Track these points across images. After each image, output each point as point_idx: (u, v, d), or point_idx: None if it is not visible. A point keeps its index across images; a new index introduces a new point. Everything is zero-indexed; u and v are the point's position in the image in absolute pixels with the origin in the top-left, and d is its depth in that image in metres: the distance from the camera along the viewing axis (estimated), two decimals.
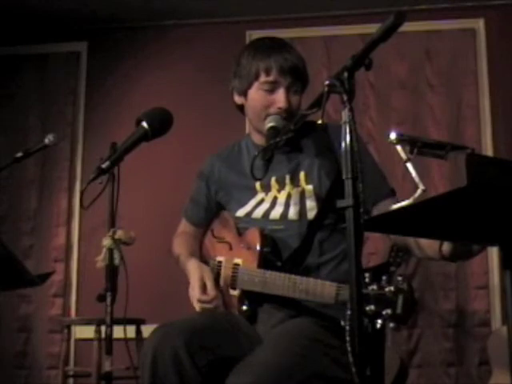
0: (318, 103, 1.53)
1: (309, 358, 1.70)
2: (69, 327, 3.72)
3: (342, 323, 1.36)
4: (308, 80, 2.01)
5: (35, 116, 4.56)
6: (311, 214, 1.94)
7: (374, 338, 1.77)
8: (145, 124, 1.81)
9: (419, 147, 1.33)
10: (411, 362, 3.99)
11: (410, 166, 1.30)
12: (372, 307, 1.46)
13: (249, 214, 2.02)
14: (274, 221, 1.97)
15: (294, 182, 1.98)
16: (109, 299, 1.84)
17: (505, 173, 1.11)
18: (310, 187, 1.95)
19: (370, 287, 1.48)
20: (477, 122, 4.21)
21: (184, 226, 2.28)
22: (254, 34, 4.49)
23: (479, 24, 4.33)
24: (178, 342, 1.74)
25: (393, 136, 1.32)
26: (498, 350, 3.53)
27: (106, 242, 1.86)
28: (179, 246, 2.22)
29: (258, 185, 2.01)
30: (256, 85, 1.95)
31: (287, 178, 1.99)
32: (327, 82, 1.37)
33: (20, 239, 4.38)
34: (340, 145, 1.34)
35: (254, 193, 2.03)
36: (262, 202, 2.01)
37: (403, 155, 1.32)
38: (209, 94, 4.38)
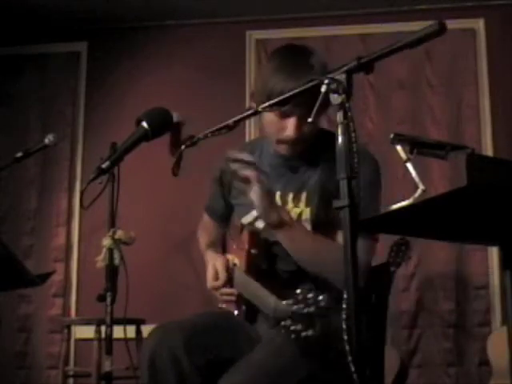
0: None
1: (303, 360, 1.69)
2: (69, 327, 3.72)
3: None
4: (328, 104, 1.56)
5: (35, 116, 4.56)
6: None
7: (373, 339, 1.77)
8: (145, 124, 1.81)
9: (419, 147, 1.33)
10: (411, 361, 3.98)
11: (409, 166, 1.30)
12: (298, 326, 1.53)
13: (251, 224, 2.00)
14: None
15: (295, 201, 1.92)
16: (109, 299, 1.85)
17: (505, 173, 1.10)
18: (307, 210, 1.90)
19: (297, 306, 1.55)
20: (477, 122, 4.21)
21: (205, 218, 2.26)
22: (253, 34, 4.51)
23: (479, 24, 4.33)
24: (177, 342, 1.73)
25: (393, 136, 1.32)
26: (498, 350, 3.52)
27: (106, 242, 1.86)
28: (201, 236, 2.26)
29: None
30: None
31: (290, 196, 1.93)
32: (325, 82, 1.37)
33: (20, 239, 4.38)
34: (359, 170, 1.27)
35: None
36: None
37: (403, 155, 1.32)
38: (209, 94, 4.39)
